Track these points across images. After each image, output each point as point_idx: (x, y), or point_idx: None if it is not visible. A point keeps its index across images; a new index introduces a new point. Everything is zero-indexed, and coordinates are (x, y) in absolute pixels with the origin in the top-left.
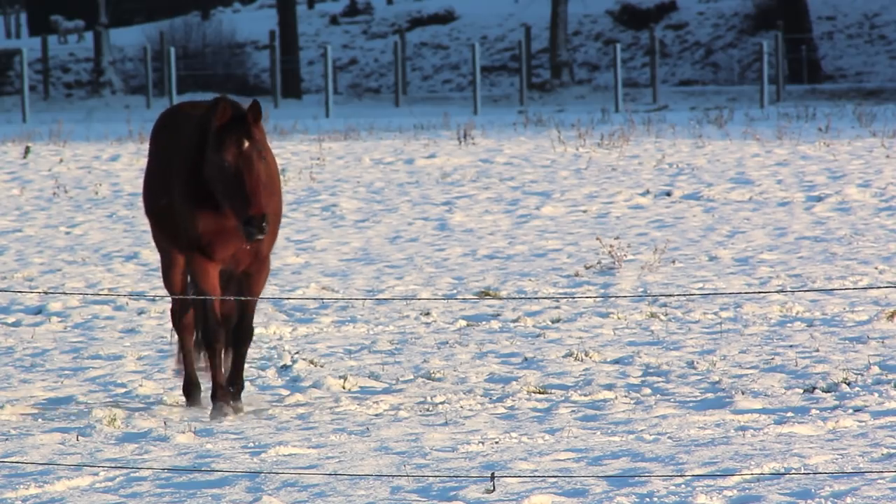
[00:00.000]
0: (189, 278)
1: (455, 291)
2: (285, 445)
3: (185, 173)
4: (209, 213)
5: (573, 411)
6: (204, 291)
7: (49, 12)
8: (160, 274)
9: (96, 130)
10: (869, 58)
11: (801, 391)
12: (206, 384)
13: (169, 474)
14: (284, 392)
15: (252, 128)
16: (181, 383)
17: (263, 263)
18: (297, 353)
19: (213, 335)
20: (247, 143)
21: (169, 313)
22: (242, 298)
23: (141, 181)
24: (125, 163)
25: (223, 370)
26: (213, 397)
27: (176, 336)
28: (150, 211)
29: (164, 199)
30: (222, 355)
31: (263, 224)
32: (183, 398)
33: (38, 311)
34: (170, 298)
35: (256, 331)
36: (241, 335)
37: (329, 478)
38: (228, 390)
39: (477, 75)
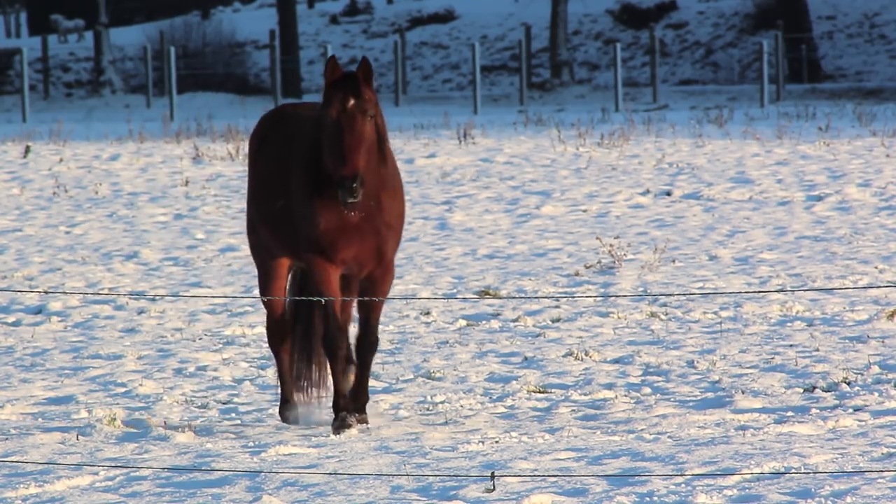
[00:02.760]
0: (291, 289)
1: (455, 291)
2: (285, 445)
3: (306, 171)
4: (331, 210)
5: (573, 411)
6: (324, 296)
7: (49, 12)
8: (257, 288)
9: (96, 130)
10: (869, 57)
11: (801, 391)
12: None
13: (169, 474)
14: None
15: (361, 86)
16: (173, 383)
17: (388, 267)
18: None
19: (335, 342)
20: (352, 101)
21: (165, 315)
22: (362, 299)
23: (141, 180)
24: (125, 162)
25: (346, 381)
26: (335, 407)
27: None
28: (265, 215)
29: (281, 200)
30: (344, 363)
31: (354, 185)
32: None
33: (38, 310)
34: (263, 311)
35: (257, 329)
36: (366, 345)
37: (329, 477)
38: (350, 401)
39: (477, 75)
